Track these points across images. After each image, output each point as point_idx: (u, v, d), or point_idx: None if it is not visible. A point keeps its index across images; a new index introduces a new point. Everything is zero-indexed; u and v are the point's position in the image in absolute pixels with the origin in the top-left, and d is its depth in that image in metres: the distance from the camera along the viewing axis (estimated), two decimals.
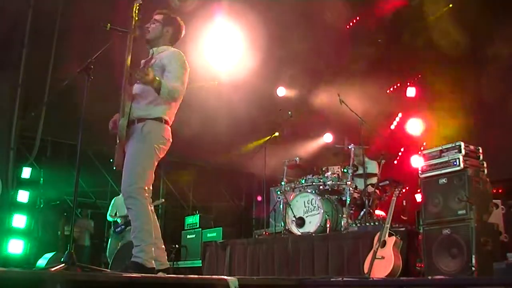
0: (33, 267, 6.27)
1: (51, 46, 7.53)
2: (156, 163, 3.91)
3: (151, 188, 3.96)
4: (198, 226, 9.09)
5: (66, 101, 5.86)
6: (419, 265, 5.08)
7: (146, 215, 3.68)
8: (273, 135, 7.94)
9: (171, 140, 3.94)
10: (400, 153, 9.16)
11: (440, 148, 4.92)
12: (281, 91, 10.31)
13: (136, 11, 3.71)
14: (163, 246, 3.92)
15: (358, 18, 9.33)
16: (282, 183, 7.21)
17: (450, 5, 8.26)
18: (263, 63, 8.77)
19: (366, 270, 4.91)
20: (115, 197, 8.40)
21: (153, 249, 3.68)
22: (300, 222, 6.51)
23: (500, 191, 6.35)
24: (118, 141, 3.80)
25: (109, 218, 8.25)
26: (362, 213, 6.39)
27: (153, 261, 3.65)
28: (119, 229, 7.90)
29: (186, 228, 9.34)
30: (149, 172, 3.82)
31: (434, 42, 8.03)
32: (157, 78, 3.66)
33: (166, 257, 3.93)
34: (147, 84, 3.69)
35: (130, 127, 3.80)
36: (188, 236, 9.08)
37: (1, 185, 6.91)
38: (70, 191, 8.90)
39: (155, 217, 3.95)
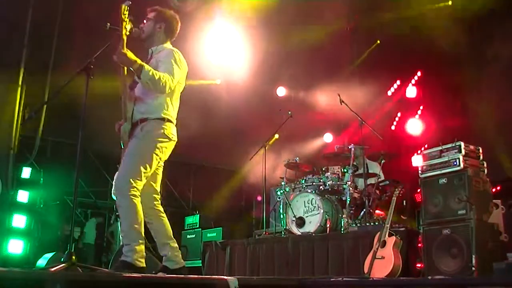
0: (33, 267, 6.26)
1: (51, 46, 7.53)
2: (156, 163, 3.84)
3: (158, 189, 3.94)
4: (198, 226, 9.07)
5: (66, 101, 5.85)
6: (419, 265, 5.07)
7: (136, 214, 3.63)
8: (274, 138, 7.92)
9: (175, 138, 3.89)
10: (400, 153, 9.15)
11: (440, 148, 4.92)
12: (281, 91, 10.30)
13: (125, 13, 3.65)
14: (176, 245, 3.88)
15: (357, 17, 9.34)
16: (282, 183, 7.20)
17: (449, 2, 8.25)
18: (263, 63, 8.77)
19: (366, 270, 4.91)
20: None
21: (143, 248, 3.66)
22: (300, 222, 6.51)
23: (498, 188, 6.34)
24: (122, 146, 3.80)
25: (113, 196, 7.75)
26: (362, 213, 6.39)
27: (143, 260, 3.63)
28: (118, 213, 7.50)
29: (186, 228, 9.32)
30: (146, 172, 3.74)
31: (434, 41, 8.02)
32: (138, 61, 3.63)
33: (181, 256, 3.89)
34: (126, 65, 3.67)
35: (134, 128, 3.80)
36: (188, 236, 9.06)
37: (1, 185, 6.91)
38: (70, 191, 8.88)
39: (165, 217, 3.92)
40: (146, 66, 3.65)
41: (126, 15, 3.66)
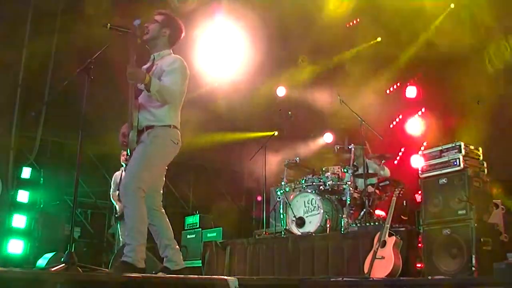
0: (33, 267, 6.27)
1: (51, 46, 7.53)
2: (163, 167, 3.95)
3: (161, 192, 3.96)
4: (198, 226, 9.08)
5: (66, 101, 5.86)
6: (419, 265, 5.07)
7: (140, 215, 3.68)
8: (272, 134, 7.93)
9: (180, 143, 3.94)
10: (400, 153, 9.15)
11: (440, 148, 4.93)
12: (281, 91, 10.30)
13: (139, 31, 3.71)
14: (177, 247, 3.93)
15: (358, 19, 9.33)
16: (282, 183, 7.20)
17: (452, 5, 8.25)
18: (263, 63, 8.77)
19: (366, 270, 4.91)
20: (115, 173, 7.48)
21: (144, 249, 3.68)
22: (300, 222, 6.51)
23: (500, 191, 6.34)
24: (129, 153, 3.83)
25: (112, 199, 7.46)
26: (362, 213, 6.38)
27: (143, 262, 3.65)
28: (117, 215, 7.37)
29: (186, 228, 9.32)
30: (152, 175, 3.84)
31: (435, 41, 8.02)
32: (147, 76, 3.67)
33: (181, 257, 3.93)
34: (137, 82, 3.71)
35: (140, 135, 3.84)
36: (188, 236, 9.07)
37: (1, 185, 6.92)
38: (70, 191, 8.88)
39: (166, 218, 3.95)
40: (154, 80, 3.69)
41: (141, 33, 3.70)
